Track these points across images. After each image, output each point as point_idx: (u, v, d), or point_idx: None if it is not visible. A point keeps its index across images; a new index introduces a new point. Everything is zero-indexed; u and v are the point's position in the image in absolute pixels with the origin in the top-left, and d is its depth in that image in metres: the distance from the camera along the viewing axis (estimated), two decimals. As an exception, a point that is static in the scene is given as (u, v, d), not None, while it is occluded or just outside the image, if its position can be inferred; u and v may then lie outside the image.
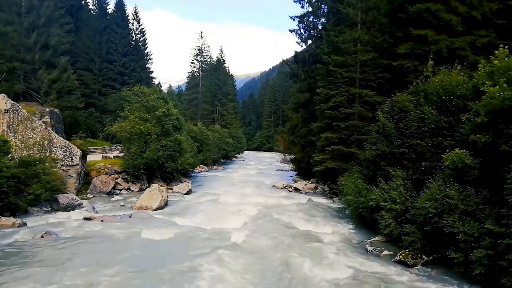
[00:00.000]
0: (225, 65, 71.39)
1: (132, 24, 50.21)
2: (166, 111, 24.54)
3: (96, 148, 31.35)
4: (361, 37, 20.57)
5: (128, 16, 49.61)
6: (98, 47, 44.85)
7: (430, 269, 9.53)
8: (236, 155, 64.99)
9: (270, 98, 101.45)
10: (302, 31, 29.27)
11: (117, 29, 46.77)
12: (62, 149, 18.82)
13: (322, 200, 20.71)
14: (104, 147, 33.48)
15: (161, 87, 60.96)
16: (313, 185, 25.72)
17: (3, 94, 18.13)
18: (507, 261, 7.46)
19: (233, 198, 20.52)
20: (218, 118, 62.39)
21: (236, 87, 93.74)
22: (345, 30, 21.45)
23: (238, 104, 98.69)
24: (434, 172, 10.70)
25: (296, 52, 30.99)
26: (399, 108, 13.32)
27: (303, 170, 29.86)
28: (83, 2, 48.43)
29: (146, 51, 52.50)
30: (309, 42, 29.96)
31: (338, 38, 21.12)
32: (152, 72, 53.69)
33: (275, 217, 15.88)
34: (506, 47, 10.10)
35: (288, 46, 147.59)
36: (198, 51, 69.35)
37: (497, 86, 8.98)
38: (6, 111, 17.52)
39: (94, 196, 20.04)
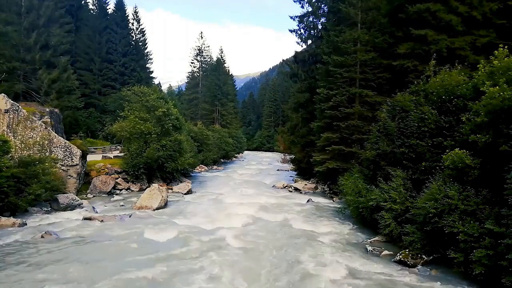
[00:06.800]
0: (225, 65, 71.37)
1: (132, 24, 50.20)
2: (166, 111, 24.56)
3: (96, 148, 31.36)
4: (361, 37, 20.57)
5: (128, 16, 49.57)
6: (98, 47, 44.83)
7: (430, 269, 9.53)
8: (236, 155, 64.97)
9: (270, 98, 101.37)
10: (302, 31, 29.27)
11: (117, 29, 46.73)
12: (62, 149, 18.82)
13: (322, 200, 20.71)
14: (104, 147, 33.49)
15: (161, 87, 61.01)
16: (313, 185, 25.71)
17: (3, 94, 18.13)
18: (507, 261, 7.46)
19: (233, 198, 20.52)
20: (218, 118, 62.37)
21: (236, 87, 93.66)
22: (345, 30, 21.46)
23: (238, 104, 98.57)
24: (434, 172, 10.70)
25: (296, 52, 31.00)
26: (401, 107, 13.32)
27: (303, 170, 29.85)
28: (83, 2, 48.41)
29: (146, 51, 52.50)
30: (309, 42, 29.97)
31: (338, 38, 21.13)
32: (152, 72, 53.74)
33: (275, 217, 15.88)
34: (506, 47, 10.10)
35: (288, 46, 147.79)
36: (198, 51, 69.38)
37: (497, 86, 8.98)
38: (6, 111, 17.52)
39: (94, 196, 20.04)
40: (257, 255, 10.58)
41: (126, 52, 46.85)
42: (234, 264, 9.70)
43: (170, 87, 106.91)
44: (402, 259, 10.03)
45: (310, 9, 28.64)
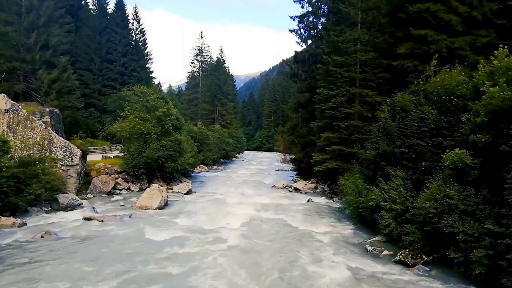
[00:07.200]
0: (225, 65, 71.44)
1: (132, 24, 50.19)
2: (166, 111, 24.57)
3: (96, 148, 31.33)
4: (361, 37, 20.57)
5: (128, 16, 49.56)
6: (98, 47, 44.81)
7: (430, 269, 9.53)
8: (236, 155, 64.98)
9: (270, 98, 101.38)
10: (302, 31, 29.30)
11: (117, 29, 46.70)
12: (62, 149, 18.82)
13: (322, 200, 20.71)
14: (104, 147, 33.46)
15: (161, 87, 61.00)
16: (313, 185, 25.72)
17: (3, 94, 18.13)
18: (507, 261, 7.46)
19: (233, 198, 20.53)
20: (218, 118, 62.36)
21: (236, 87, 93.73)
22: (345, 30, 21.45)
23: (238, 104, 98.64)
24: (434, 172, 10.70)
25: (296, 52, 31.00)
26: (401, 107, 13.33)
27: (303, 170, 29.85)
28: (83, 2, 48.38)
29: (146, 51, 52.48)
30: (309, 42, 29.99)
31: (338, 38, 21.13)
32: (152, 72, 53.69)
33: (275, 217, 15.89)
34: (506, 47, 10.09)
35: (288, 46, 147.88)
36: (198, 51, 69.34)
37: (497, 86, 8.98)
38: (6, 111, 17.52)
39: (94, 196, 20.04)
40: (257, 255, 10.58)
41: (126, 52, 46.83)
42: (234, 263, 9.69)
43: (170, 87, 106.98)
44: (402, 259, 10.03)
45: (310, 9, 28.66)
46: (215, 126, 56.87)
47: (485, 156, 9.25)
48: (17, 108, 17.87)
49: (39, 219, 14.21)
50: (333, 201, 20.33)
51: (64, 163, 18.68)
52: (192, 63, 70.10)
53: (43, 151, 17.73)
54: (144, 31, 51.50)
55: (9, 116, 17.56)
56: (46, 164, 16.18)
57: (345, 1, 21.78)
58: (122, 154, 25.82)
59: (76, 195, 17.85)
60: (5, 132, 17.10)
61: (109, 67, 45.40)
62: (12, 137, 16.85)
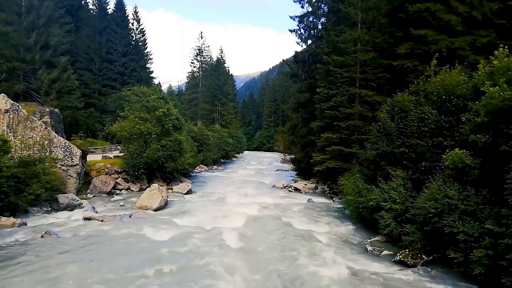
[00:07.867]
0: (225, 65, 71.46)
1: (132, 24, 50.22)
2: (166, 111, 24.58)
3: (96, 148, 31.33)
4: (361, 37, 20.58)
5: (128, 16, 49.60)
6: (98, 47, 44.83)
7: (430, 269, 9.53)
8: (236, 155, 65.01)
9: (270, 98, 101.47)
10: (302, 31, 29.32)
11: (117, 29, 46.73)
12: (62, 149, 18.82)
13: (322, 200, 20.71)
14: (104, 147, 33.46)
15: (161, 87, 60.93)
16: (313, 185, 25.71)
17: (3, 94, 18.13)
18: (507, 261, 7.46)
19: (233, 198, 20.53)
20: (218, 118, 62.37)
21: (236, 87, 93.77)
22: (345, 30, 21.46)
23: (238, 104, 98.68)
24: (434, 172, 10.71)
25: (296, 52, 31.02)
26: (400, 108, 13.34)
27: (303, 170, 29.86)
28: (83, 2, 48.41)
29: (146, 51, 52.49)
30: (309, 42, 30.00)
31: (338, 38, 21.13)
32: (152, 72, 53.69)
33: (275, 217, 15.88)
34: (506, 47, 10.09)
35: (288, 45, 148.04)
36: (198, 51, 69.31)
37: (497, 86, 8.99)
38: (6, 111, 17.52)
39: (94, 196, 20.04)
40: (257, 255, 10.58)
41: (126, 52, 46.85)
42: (234, 263, 9.69)
43: (170, 87, 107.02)
44: (402, 259, 10.02)
45: (310, 9, 28.67)
46: (215, 126, 56.88)
47: (485, 156, 9.25)
48: (17, 108, 17.87)
49: (39, 219, 14.20)
50: (333, 201, 20.33)
51: (64, 163, 18.68)
52: (192, 63, 70.10)
53: (43, 151, 17.74)
54: (144, 31, 51.57)
55: (9, 116, 17.57)
56: (46, 164, 16.18)
57: (345, 1, 21.80)
58: (122, 154, 25.83)
59: (76, 195, 17.85)
60: (5, 132, 17.10)
61: (109, 67, 45.44)
62: (12, 137, 16.85)
